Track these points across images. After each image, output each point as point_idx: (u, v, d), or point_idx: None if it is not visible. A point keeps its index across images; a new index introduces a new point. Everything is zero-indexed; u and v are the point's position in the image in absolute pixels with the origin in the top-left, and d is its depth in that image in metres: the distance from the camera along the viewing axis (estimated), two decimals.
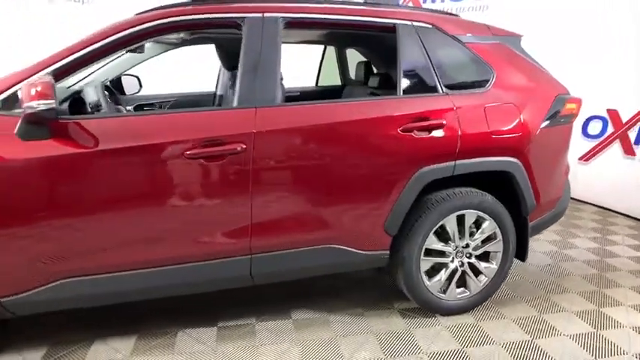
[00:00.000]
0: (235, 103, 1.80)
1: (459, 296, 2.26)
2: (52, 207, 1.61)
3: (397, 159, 1.94)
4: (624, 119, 4.02)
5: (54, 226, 1.62)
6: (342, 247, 1.99)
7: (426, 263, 2.15)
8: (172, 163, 1.68)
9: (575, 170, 2.98)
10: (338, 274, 2.60)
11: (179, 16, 1.79)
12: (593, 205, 4.30)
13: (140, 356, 1.93)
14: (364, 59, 3.18)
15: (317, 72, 3.68)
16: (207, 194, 1.75)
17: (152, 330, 2.12)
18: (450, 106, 2.03)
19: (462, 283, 2.26)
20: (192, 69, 3.98)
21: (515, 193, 2.20)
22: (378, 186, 1.95)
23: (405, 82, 2.04)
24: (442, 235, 2.16)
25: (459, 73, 2.19)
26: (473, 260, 2.22)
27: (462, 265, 2.22)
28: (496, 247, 2.24)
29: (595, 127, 4.27)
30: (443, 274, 2.19)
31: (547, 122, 2.22)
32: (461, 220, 2.14)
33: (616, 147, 4.11)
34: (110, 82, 2.78)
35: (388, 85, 2.75)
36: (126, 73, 2.88)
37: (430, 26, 2.14)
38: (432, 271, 2.19)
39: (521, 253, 2.34)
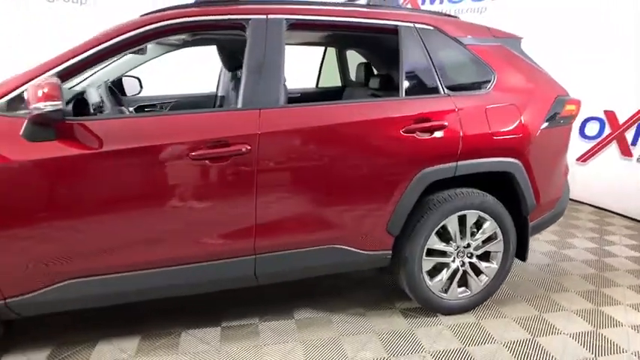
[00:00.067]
0: (240, 105, 1.81)
1: (460, 296, 2.28)
2: (58, 208, 1.62)
3: (400, 160, 1.96)
4: (621, 120, 4.06)
5: (59, 226, 1.63)
6: (345, 247, 2.01)
7: (427, 263, 2.17)
8: (178, 165, 1.69)
9: (573, 171, 3.01)
10: (339, 274, 2.62)
11: (184, 17, 1.80)
12: (591, 205, 4.34)
13: (145, 356, 1.94)
14: (364, 60, 3.20)
15: (317, 73, 3.69)
16: (212, 195, 1.76)
17: (156, 330, 2.13)
18: (451, 107, 2.06)
19: (463, 282, 2.28)
20: (192, 70, 3.99)
21: (516, 193, 2.22)
22: (380, 187, 1.96)
23: (407, 84, 2.06)
24: (444, 235, 2.18)
25: (461, 74, 2.21)
26: (474, 260, 2.25)
27: (463, 264, 2.24)
28: (497, 247, 2.26)
29: (592, 128, 4.30)
30: (444, 274, 2.21)
31: (547, 123, 2.25)
32: (462, 220, 2.16)
33: (613, 148, 4.15)
34: (111, 83, 2.78)
35: (389, 87, 2.77)
36: (127, 74, 2.89)
37: (432, 28, 2.16)
38: (434, 271, 2.21)
39: (522, 253, 2.36)
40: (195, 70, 3.90)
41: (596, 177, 4.26)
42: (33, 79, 1.61)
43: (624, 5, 3.91)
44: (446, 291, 2.25)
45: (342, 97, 3.40)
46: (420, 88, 2.10)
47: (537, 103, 2.26)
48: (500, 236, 2.24)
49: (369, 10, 2.09)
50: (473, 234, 2.22)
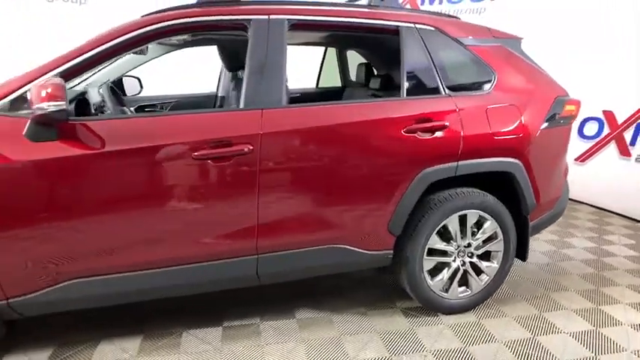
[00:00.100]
0: (242, 105, 1.81)
1: (460, 295, 2.29)
2: (61, 208, 1.62)
3: (401, 160, 1.96)
4: (620, 120, 4.08)
5: (62, 227, 1.63)
6: (346, 247, 2.02)
7: (428, 263, 2.18)
8: (181, 165, 1.70)
9: (572, 171, 3.03)
10: (340, 274, 2.63)
11: (186, 18, 1.80)
12: (589, 205, 4.36)
13: (146, 356, 1.94)
14: (364, 61, 3.21)
15: (317, 74, 3.70)
16: (215, 195, 1.76)
17: (158, 330, 2.13)
18: (452, 107, 2.06)
19: (464, 282, 2.29)
20: (192, 70, 3.99)
21: (516, 193, 2.23)
22: (382, 186, 1.97)
23: (408, 84, 2.07)
24: (444, 234, 2.19)
25: (461, 75, 2.22)
26: (474, 259, 2.26)
27: (464, 264, 2.24)
28: (497, 246, 2.27)
29: (591, 128, 4.32)
30: (445, 274, 2.22)
31: (547, 123, 2.26)
32: (463, 220, 2.17)
33: (612, 148, 4.17)
34: (112, 83, 2.78)
35: (390, 87, 2.79)
36: (127, 74, 2.89)
37: (432, 29, 2.17)
38: (435, 271, 2.22)
39: (522, 253, 2.37)
40: (196, 70, 3.90)
41: (594, 177, 4.28)
42: (36, 79, 1.61)
43: (623, 6, 3.93)
44: (447, 290, 2.26)
45: (342, 97, 3.41)
46: (421, 88, 2.11)
47: (537, 103, 2.27)
48: (500, 236, 2.25)
49: (370, 10, 2.10)
50: (473, 233, 2.23)
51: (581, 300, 2.49)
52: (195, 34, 2.14)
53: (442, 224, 2.14)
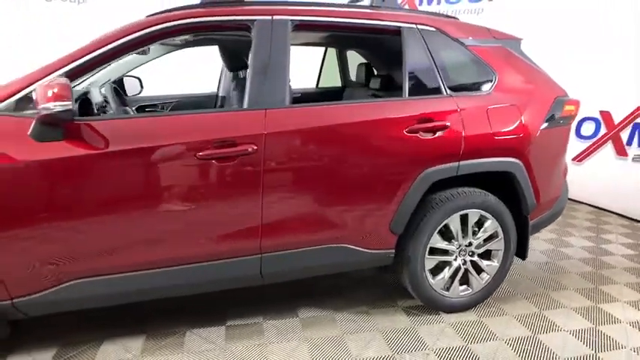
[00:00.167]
0: (245, 105, 1.82)
1: (461, 294, 2.31)
2: (65, 208, 1.62)
3: (403, 160, 1.98)
4: (616, 120, 4.12)
5: (66, 227, 1.64)
6: (349, 246, 2.03)
7: (430, 262, 2.19)
8: (185, 164, 1.70)
9: (569, 170, 3.06)
10: (340, 273, 2.64)
11: (190, 18, 1.81)
12: (587, 204, 4.39)
13: (150, 356, 1.94)
14: (364, 61, 3.22)
15: (318, 74, 3.71)
16: (219, 195, 1.77)
17: (160, 330, 2.13)
18: (454, 107, 2.08)
19: (465, 280, 2.31)
20: (192, 70, 3.99)
21: (516, 192, 2.26)
22: (385, 186, 1.99)
23: (410, 84, 2.08)
24: (446, 234, 2.21)
25: (462, 75, 2.24)
26: (475, 258, 2.28)
27: (465, 263, 2.26)
28: (498, 245, 2.29)
29: (588, 129, 4.36)
30: (446, 272, 2.24)
31: (547, 124, 2.28)
32: (464, 219, 2.19)
33: (609, 148, 4.21)
34: (112, 83, 2.78)
35: (390, 87, 2.81)
36: (128, 74, 2.89)
37: (434, 29, 2.19)
38: (436, 270, 2.24)
39: (522, 252, 2.40)
40: (196, 70, 3.91)
41: (592, 176, 4.31)
42: (41, 79, 1.61)
43: (620, 7, 3.97)
44: (448, 289, 2.27)
45: (343, 97, 3.43)
46: (422, 88, 2.12)
47: (537, 103, 2.29)
48: (501, 235, 2.28)
49: (372, 11, 2.12)
50: (474, 233, 2.25)
51: (581, 298, 2.52)
52: (199, 34, 2.14)
53: (444, 223, 2.15)
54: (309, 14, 1.96)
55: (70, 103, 1.43)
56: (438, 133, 2.02)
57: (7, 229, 1.58)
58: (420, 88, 2.12)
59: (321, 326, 2.19)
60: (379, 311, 2.34)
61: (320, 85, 3.78)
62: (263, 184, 1.79)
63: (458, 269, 2.26)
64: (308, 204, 1.90)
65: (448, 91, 2.13)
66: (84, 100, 2.23)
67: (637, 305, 2.45)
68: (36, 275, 1.66)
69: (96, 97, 2.37)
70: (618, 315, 2.34)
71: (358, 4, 2.27)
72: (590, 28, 4.16)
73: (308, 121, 1.86)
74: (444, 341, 2.08)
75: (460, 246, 2.24)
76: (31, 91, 1.59)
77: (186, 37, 2.44)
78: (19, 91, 1.61)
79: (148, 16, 1.89)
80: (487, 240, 2.28)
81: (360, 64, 3.15)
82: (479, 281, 2.31)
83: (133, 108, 2.89)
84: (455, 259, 2.25)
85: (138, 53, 2.30)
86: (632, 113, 3.98)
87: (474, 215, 2.19)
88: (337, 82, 3.66)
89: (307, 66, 3.76)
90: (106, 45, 1.71)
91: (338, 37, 2.83)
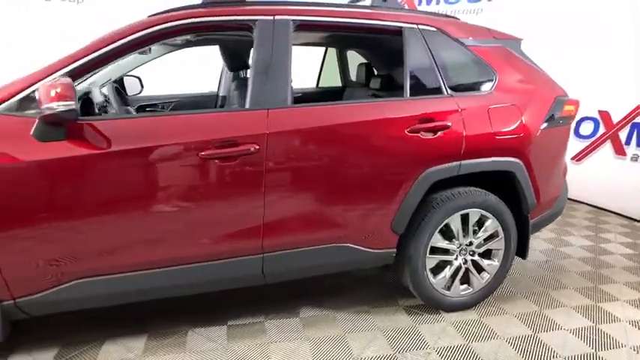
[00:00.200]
0: (248, 105, 1.82)
1: (462, 293, 2.32)
2: (68, 208, 1.62)
3: (405, 159, 1.99)
4: (615, 120, 4.14)
5: (69, 226, 1.64)
6: (350, 245, 2.04)
7: (431, 261, 2.20)
8: (187, 164, 1.71)
9: (569, 170, 3.07)
10: (340, 273, 2.64)
11: (192, 18, 1.81)
12: (586, 204, 4.41)
13: (152, 355, 1.94)
14: (364, 61, 3.23)
15: (318, 74, 3.71)
16: (221, 194, 1.78)
17: (162, 329, 2.13)
18: (455, 107, 2.09)
19: (466, 280, 2.31)
20: (191, 70, 3.99)
21: (517, 192, 2.26)
22: (387, 186, 1.99)
23: (411, 84, 2.09)
24: (446, 233, 2.22)
25: (463, 75, 2.25)
26: (476, 258, 2.28)
27: (466, 262, 2.27)
28: (498, 244, 2.30)
29: (587, 128, 4.38)
30: (447, 272, 2.25)
31: (547, 123, 2.29)
32: (465, 218, 2.20)
33: (607, 147, 4.22)
34: (113, 82, 2.78)
35: (390, 87, 2.81)
36: (128, 74, 2.89)
37: (434, 29, 2.19)
38: (437, 269, 2.25)
39: (522, 251, 2.41)
40: (195, 69, 3.91)
41: (590, 176, 4.33)
42: (43, 78, 1.61)
43: (619, 7, 3.98)
44: (449, 288, 2.28)
45: (343, 97, 3.43)
46: (424, 88, 2.13)
47: (537, 103, 2.30)
48: (501, 234, 2.29)
49: (373, 11, 2.12)
50: (475, 232, 2.26)
51: (580, 297, 2.53)
52: (201, 34, 2.14)
53: (444, 223, 2.16)
54: (311, 14, 1.97)
55: (73, 102, 1.43)
56: (439, 133, 2.03)
57: (10, 229, 1.58)
58: (421, 88, 2.13)
59: (323, 325, 2.19)
60: (380, 310, 2.35)
61: (320, 85, 3.78)
62: (265, 184, 1.79)
63: (459, 268, 2.26)
64: (310, 204, 1.90)
65: (449, 91, 2.13)
66: (85, 100, 2.23)
67: (636, 304, 2.47)
68: (38, 275, 1.66)
69: (97, 97, 2.36)
70: (618, 314, 2.35)
71: (359, 4, 2.28)
72: (589, 28, 4.17)
73: (310, 121, 1.86)
74: (446, 340, 2.09)
75: (461, 245, 2.25)
76: (33, 91, 1.59)
77: (187, 36, 2.44)
78: (21, 91, 1.61)
79: (149, 16, 1.89)
80: (488, 239, 2.29)
81: (361, 64, 3.15)
82: (479, 280, 2.32)
83: (134, 108, 2.89)
84: (456, 259, 2.26)
85: (139, 53, 2.30)
86: (630, 113, 4.00)
87: (474, 215, 2.20)
88: (337, 82, 3.67)
89: (307, 66, 3.77)
90: (109, 45, 1.71)
91: (339, 37, 2.83)
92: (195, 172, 1.73)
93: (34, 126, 1.52)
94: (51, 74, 1.63)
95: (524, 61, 2.41)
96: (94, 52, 1.69)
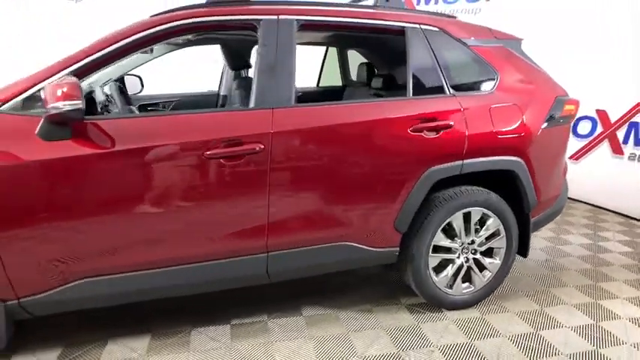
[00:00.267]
0: (252, 104, 1.83)
1: (464, 291, 2.33)
2: (72, 207, 1.62)
3: (409, 158, 2.00)
4: (613, 119, 4.17)
5: (74, 226, 1.63)
6: (354, 244, 2.04)
7: (433, 260, 2.21)
8: (192, 163, 1.71)
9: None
10: (342, 271, 2.65)
11: (197, 17, 1.81)
12: (584, 202, 4.44)
13: (156, 355, 1.94)
14: (365, 60, 3.23)
15: (319, 73, 3.72)
16: (226, 194, 1.78)
17: (165, 329, 2.13)
18: (457, 107, 2.10)
19: (467, 278, 2.33)
20: (192, 69, 3.99)
21: (518, 191, 2.28)
22: (390, 184, 2.00)
23: (414, 84, 2.10)
24: (449, 232, 2.23)
25: (465, 75, 2.26)
26: (478, 256, 2.30)
27: (468, 260, 2.29)
28: (500, 243, 2.32)
29: (585, 127, 4.41)
30: (449, 270, 2.26)
31: (547, 123, 2.31)
32: (467, 217, 2.21)
33: (605, 146, 4.25)
34: (114, 82, 2.77)
35: (392, 87, 2.82)
36: (129, 73, 2.88)
37: (437, 29, 2.20)
38: (439, 267, 2.26)
39: (523, 249, 2.42)
40: (196, 69, 3.90)
41: (588, 175, 4.36)
42: (47, 78, 1.61)
43: (617, 7, 4.01)
44: (451, 287, 2.29)
45: (343, 96, 3.43)
46: (426, 88, 2.14)
47: (538, 103, 2.32)
48: (503, 233, 2.30)
49: (376, 11, 2.13)
50: (477, 231, 2.27)
51: (581, 295, 2.55)
52: (204, 33, 2.14)
53: (447, 221, 2.17)
54: (314, 14, 1.97)
55: (80, 102, 1.43)
56: (442, 132, 2.04)
57: (14, 228, 1.57)
58: (423, 88, 2.14)
59: (326, 324, 2.20)
60: (382, 309, 2.36)
61: (320, 85, 3.79)
62: (270, 183, 1.80)
63: (461, 267, 2.28)
64: (314, 203, 1.91)
65: (451, 90, 2.15)
66: (87, 99, 2.23)
67: (636, 302, 2.49)
68: (42, 275, 1.65)
69: (99, 96, 2.36)
70: (618, 311, 2.38)
71: (361, 3, 2.28)
72: (587, 28, 4.20)
73: (315, 121, 1.87)
74: (448, 338, 2.10)
75: (463, 244, 2.26)
76: (38, 90, 1.59)
77: (189, 36, 2.44)
78: (26, 90, 1.60)
79: (152, 16, 1.89)
80: (489, 238, 2.30)
81: (362, 64, 3.16)
82: (481, 279, 2.33)
83: (134, 107, 2.88)
84: (458, 257, 2.27)
85: (142, 52, 2.29)
86: (628, 112, 4.03)
87: (476, 213, 2.22)
88: (337, 82, 3.67)
89: (306, 65, 3.77)
90: (112, 44, 1.71)
91: (340, 36, 2.84)
92: (200, 172, 1.73)
93: (40, 125, 1.52)
94: (55, 74, 1.62)
95: (525, 60, 2.43)
96: (97, 52, 1.68)
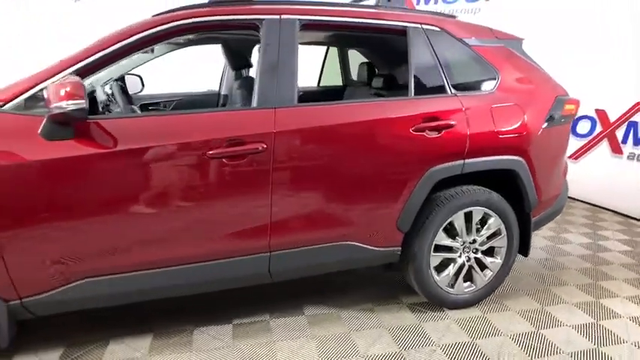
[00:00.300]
0: (254, 104, 1.83)
1: (465, 290, 2.34)
2: (75, 207, 1.62)
3: (411, 158, 2.00)
4: (612, 119, 4.19)
5: (76, 225, 1.63)
6: (356, 243, 2.05)
7: (435, 259, 2.22)
8: (195, 163, 1.71)
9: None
10: (341, 271, 2.64)
11: (199, 17, 1.81)
12: (583, 201, 4.46)
13: (158, 355, 1.94)
14: (365, 60, 3.23)
15: (319, 73, 3.72)
16: (228, 193, 1.78)
17: (166, 328, 2.13)
18: (459, 106, 2.11)
19: (469, 277, 2.33)
20: (192, 69, 3.98)
21: (519, 190, 2.29)
22: (392, 184, 2.01)
23: (416, 83, 2.10)
24: (450, 231, 2.23)
25: (466, 74, 2.26)
26: (479, 255, 2.31)
27: (469, 260, 2.29)
28: (501, 242, 2.33)
29: (584, 127, 4.42)
30: (451, 269, 2.27)
31: (548, 122, 2.31)
32: (468, 216, 2.22)
33: (604, 146, 4.27)
34: (114, 81, 2.77)
35: (393, 86, 2.82)
36: (129, 72, 2.88)
37: (438, 29, 2.21)
38: (441, 267, 2.26)
39: (524, 249, 2.43)
40: (196, 68, 3.90)
41: (587, 174, 4.37)
42: (50, 78, 1.61)
43: (617, 6, 4.02)
44: (452, 286, 2.30)
45: (344, 96, 3.43)
46: (428, 87, 2.14)
47: (539, 102, 2.33)
48: (504, 232, 2.31)
49: (378, 11, 2.13)
50: (478, 230, 2.28)
51: (581, 294, 2.56)
52: (206, 33, 2.14)
53: (448, 221, 2.18)
54: (317, 14, 1.97)
55: (83, 101, 1.43)
56: (444, 132, 2.04)
57: (16, 228, 1.57)
58: (425, 88, 2.14)
59: (328, 324, 2.20)
60: (383, 308, 2.36)
61: (320, 84, 3.79)
62: (272, 183, 1.80)
63: (462, 266, 2.28)
64: (316, 202, 1.91)
65: (453, 90, 2.15)
66: (89, 99, 2.22)
67: (636, 300, 2.50)
68: (45, 274, 1.65)
69: (100, 96, 2.36)
70: (619, 310, 2.39)
71: (361, 3, 2.29)
72: (587, 28, 4.21)
73: (317, 120, 1.87)
74: (450, 337, 2.11)
75: (464, 243, 2.27)
76: (40, 90, 1.58)
77: (191, 35, 2.44)
78: (28, 90, 1.60)
79: (154, 16, 1.89)
80: (490, 237, 2.31)
81: (362, 63, 3.16)
82: (482, 278, 2.34)
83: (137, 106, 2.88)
84: (459, 256, 2.28)
85: (144, 52, 2.29)
86: (627, 112, 4.05)
87: (478, 213, 2.22)
88: (337, 81, 3.67)
89: (306, 65, 3.77)
90: (115, 44, 1.71)
91: (341, 36, 2.84)
92: (203, 171, 1.73)
93: (42, 125, 1.52)
94: (57, 73, 1.62)
95: (526, 60, 2.44)
96: (99, 51, 1.68)
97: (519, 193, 2.30)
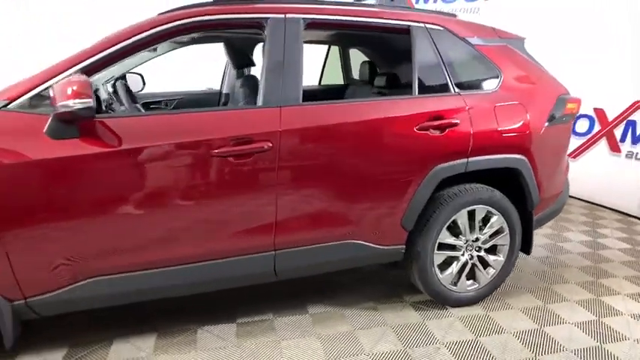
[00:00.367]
0: (260, 103, 1.83)
1: (468, 288, 2.35)
2: (81, 206, 1.61)
3: (415, 156, 2.01)
4: (610, 118, 4.21)
5: (82, 225, 1.62)
6: (361, 242, 2.05)
7: (438, 257, 2.23)
8: (201, 162, 1.70)
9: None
10: (343, 270, 2.64)
11: (204, 16, 1.81)
12: (582, 200, 4.48)
13: (163, 354, 1.94)
14: (366, 59, 3.24)
15: (320, 71, 3.72)
16: (234, 192, 1.77)
17: (170, 328, 2.13)
18: (462, 105, 2.11)
19: (472, 275, 2.34)
20: (193, 68, 3.98)
21: (522, 188, 2.30)
22: (397, 183, 2.01)
23: (419, 82, 2.11)
24: (453, 229, 2.24)
25: (469, 73, 2.27)
26: (482, 253, 2.32)
27: (472, 258, 2.30)
28: (503, 240, 2.34)
29: (582, 125, 4.45)
30: (454, 267, 2.28)
31: (550, 121, 2.33)
32: (471, 215, 2.23)
33: (602, 144, 4.30)
34: (115, 80, 2.76)
35: (395, 85, 2.82)
36: (130, 71, 2.87)
37: (441, 28, 2.21)
38: (444, 265, 2.27)
39: (526, 247, 2.45)
40: (196, 67, 3.89)
41: (586, 172, 4.40)
42: (54, 76, 1.60)
43: (615, 6, 4.05)
44: (455, 284, 2.31)
45: (345, 94, 3.44)
46: (431, 86, 2.15)
47: (541, 101, 2.34)
48: (506, 230, 2.32)
49: (382, 10, 2.13)
50: (481, 228, 2.28)
51: (582, 291, 2.58)
52: (210, 31, 2.14)
53: (452, 219, 2.19)
54: (321, 13, 1.97)
55: (90, 100, 1.42)
56: (448, 131, 2.05)
57: (21, 228, 1.56)
58: (429, 86, 2.15)
59: (332, 322, 2.21)
60: (387, 307, 2.37)
61: (321, 83, 3.79)
62: (278, 181, 1.80)
63: (465, 264, 2.29)
64: (322, 201, 1.91)
65: (456, 89, 2.16)
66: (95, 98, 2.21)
67: (637, 298, 2.52)
68: (49, 274, 1.64)
69: (102, 94, 2.35)
70: (620, 307, 2.41)
71: (364, 2, 2.29)
72: (585, 27, 4.24)
73: (322, 119, 1.87)
74: (454, 335, 2.12)
75: (467, 241, 2.28)
76: (46, 89, 1.57)
77: (194, 34, 2.43)
78: (33, 89, 1.59)
79: (159, 14, 1.88)
80: (493, 235, 2.32)
81: (364, 62, 3.16)
82: (485, 276, 2.35)
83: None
84: (462, 254, 2.29)
85: (148, 51, 2.28)
86: (625, 110, 4.08)
87: (481, 211, 2.23)
88: (338, 80, 3.67)
89: (306, 64, 3.78)
90: (119, 43, 1.70)
91: (344, 35, 2.84)
92: (209, 170, 1.73)
93: (48, 123, 1.51)
94: (63, 72, 1.61)
95: (528, 59, 2.45)
96: (105, 49, 1.67)
97: (522, 192, 2.31)
